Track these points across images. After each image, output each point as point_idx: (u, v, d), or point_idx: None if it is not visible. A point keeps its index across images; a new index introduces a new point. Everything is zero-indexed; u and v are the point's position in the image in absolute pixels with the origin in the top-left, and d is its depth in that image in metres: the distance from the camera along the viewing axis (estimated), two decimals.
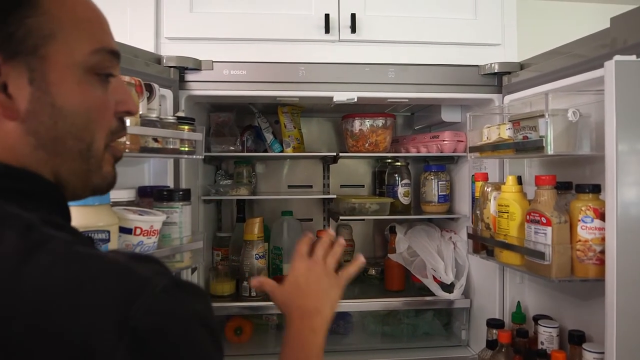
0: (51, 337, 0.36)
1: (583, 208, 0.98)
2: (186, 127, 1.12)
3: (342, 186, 1.97)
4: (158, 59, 1.28)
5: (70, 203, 0.84)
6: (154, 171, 1.25)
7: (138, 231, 0.96)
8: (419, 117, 1.91)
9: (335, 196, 1.69)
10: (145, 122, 1.00)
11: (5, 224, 0.41)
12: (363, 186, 1.99)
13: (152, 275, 0.41)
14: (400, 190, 1.70)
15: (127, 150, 0.95)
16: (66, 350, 0.36)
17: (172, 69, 1.29)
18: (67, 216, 0.52)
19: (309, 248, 0.85)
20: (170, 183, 1.25)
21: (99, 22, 0.51)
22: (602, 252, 0.93)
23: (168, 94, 1.25)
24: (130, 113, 0.56)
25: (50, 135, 0.47)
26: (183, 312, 0.41)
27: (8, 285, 0.37)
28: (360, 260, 0.87)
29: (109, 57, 0.51)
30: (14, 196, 0.45)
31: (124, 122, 0.56)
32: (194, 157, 1.17)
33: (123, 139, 0.94)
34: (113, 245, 0.89)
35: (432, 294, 1.52)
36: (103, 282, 0.39)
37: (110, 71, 0.51)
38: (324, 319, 0.75)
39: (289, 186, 1.95)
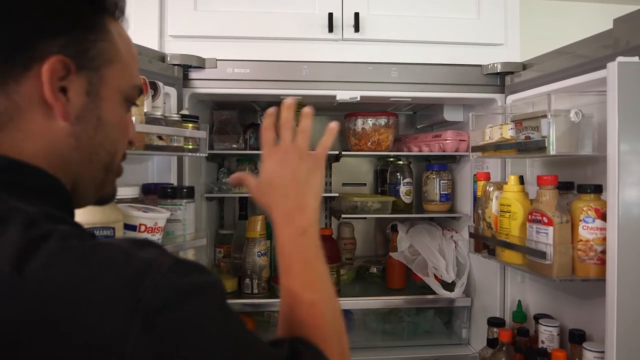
0: (61, 331, 0.37)
1: (585, 208, 0.98)
2: (190, 125, 1.13)
3: (344, 184, 1.98)
4: (162, 57, 1.29)
5: None
6: (157, 168, 1.26)
7: (142, 228, 0.97)
8: (421, 116, 1.91)
9: (337, 194, 1.69)
10: (150, 120, 1.01)
11: (8, 219, 0.42)
12: (365, 185, 1.99)
13: (156, 256, 0.43)
14: (402, 189, 1.71)
15: (132, 148, 0.96)
16: (79, 342, 0.37)
17: (176, 66, 1.29)
18: (71, 212, 0.54)
19: (274, 131, 0.72)
20: (173, 180, 1.26)
21: (135, 60, 0.59)
22: (603, 252, 0.94)
23: (172, 91, 1.25)
24: (131, 143, 0.62)
25: (89, 143, 0.53)
26: (190, 287, 0.42)
27: (12, 282, 0.38)
28: (331, 126, 0.74)
29: (137, 92, 0.59)
30: (19, 190, 0.47)
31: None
32: (198, 154, 1.18)
33: None
34: None
35: (433, 293, 1.53)
36: (108, 270, 0.40)
37: (134, 102, 0.59)
38: (311, 214, 0.65)
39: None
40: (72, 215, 0.54)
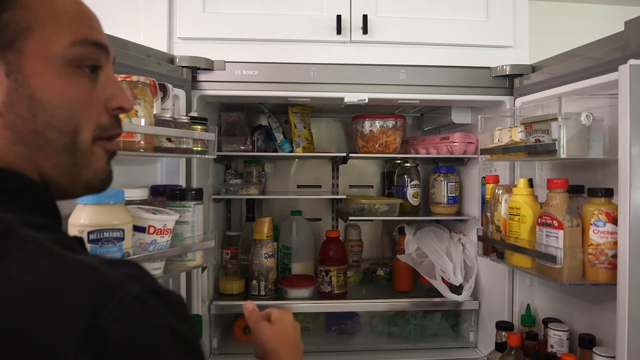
0: (15, 339, 0.36)
1: (595, 212, 0.97)
2: (199, 127, 1.13)
3: (350, 186, 1.98)
4: (171, 59, 1.29)
5: (84, 200, 0.86)
6: (166, 170, 1.26)
7: (152, 230, 0.97)
8: (429, 118, 1.91)
9: (344, 196, 1.69)
10: (160, 122, 1.01)
11: None
12: (372, 187, 1.99)
13: (126, 281, 0.40)
14: (410, 191, 1.70)
15: (141, 150, 0.96)
16: (28, 353, 0.36)
17: (184, 69, 1.30)
18: (54, 215, 0.51)
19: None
20: (182, 182, 1.26)
21: (81, 15, 0.50)
22: (614, 256, 0.93)
23: (181, 93, 1.26)
24: (123, 109, 0.54)
25: (29, 129, 0.46)
26: (154, 322, 0.39)
27: None
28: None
29: (93, 49, 0.50)
30: None
31: (117, 119, 0.54)
32: (207, 156, 1.18)
33: (137, 138, 0.95)
34: (127, 243, 0.90)
35: (441, 295, 1.52)
36: (72, 286, 0.38)
37: (95, 63, 0.50)
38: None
39: (298, 186, 1.96)
40: (56, 217, 0.51)
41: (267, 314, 0.89)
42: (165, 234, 1.00)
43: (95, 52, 0.50)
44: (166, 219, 1.00)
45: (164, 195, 1.13)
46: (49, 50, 0.46)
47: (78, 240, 0.51)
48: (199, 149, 1.15)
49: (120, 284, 0.39)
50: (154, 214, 0.98)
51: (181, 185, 1.25)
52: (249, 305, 0.89)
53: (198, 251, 1.13)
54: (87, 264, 0.40)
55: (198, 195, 1.13)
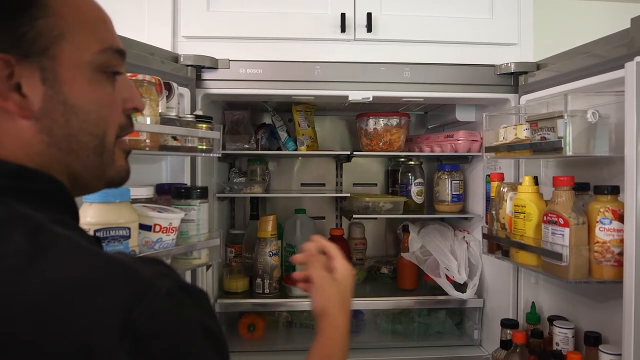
0: (53, 334, 0.37)
1: (601, 209, 0.97)
2: (204, 125, 1.13)
3: (354, 184, 1.98)
4: (175, 58, 1.29)
5: (90, 199, 0.86)
6: (171, 169, 1.27)
7: (157, 228, 0.98)
8: (433, 116, 1.90)
9: (348, 195, 1.69)
10: (165, 120, 1.01)
11: (16, 224, 0.42)
12: (376, 185, 1.99)
13: (157, 277, 0.41)
14: (414, 189, 1.70)
15: (147, 149, 0.97)
16: (67, 348, 0.37)
17: (189, 67, 1.30)
18: (75, 216, 0.53)
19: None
20: (187, 181, 1.26)
21: (103, 22, 0.52)
22: (620, 253, 0.93)
23: (185, 92, 1.26)
24: (137, 109, 0.57)
25: (63, 133, 0.48)
26: (185, 317, 0.41)
27: (15, 284, 0.38)
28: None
29: (116, 56, 0.52)
30: (26, 196, 0.46)
31: (131, 119, 0.57)
32: (212, 155, 1.18)
33: (143, 137, 0.96)
34: (133, 242, 0.90)
35: (445, 293, 1.52)
36: (108, 283, 0.39)
37: (116, 69, 0.53)
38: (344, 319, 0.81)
39: (302, 184, 1.96)
40: (77, 218, 0.53)
41: (329, 259, 0.86)
42: (171, 232, 1.00)
43: (117, 59, 0.53)
44: (172, 217, 1.00)
45: (169, 194, 1.13)
46: (80, 57, 0.48)
47: (96, 239, 0.53)
48: (204, 147, 1.15)
49: (152, 280, 0.41)
50: (159, 212, 0.99)
51: (186, 184, 1.25)
52: (310, 246, 0.86)
53: (203, 249, 1.13)
54: (121, 261, 0.42)
55: (203, 193, 1.13)
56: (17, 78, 0.45)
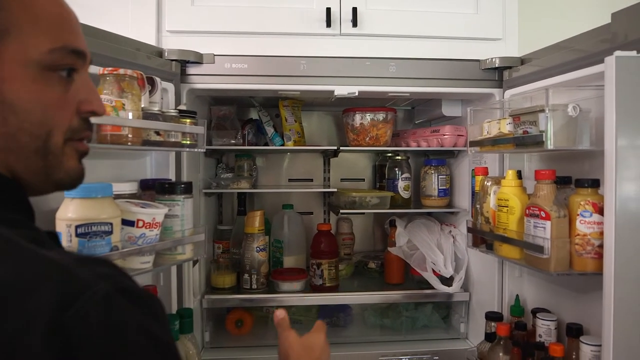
0: None
1: (582, 202, 0.98)
2: (188, 120, 1.13)
3: (342, 180, 1.98)
4: (160, 52, 1.28)
5: (72, 194, 0.85)
6: (155, 164, 1.26)
7: (140, 223, 0.97)
8: (419, 111, 1.91)
9: (336, 190, 1.69)
10: (147, 115, 1.00)
11: None
12: (363, 180, 2.00)
13: (95, 279, 0.39)
14: (401, 184, 1.71)
15: (129, 144, 0.96)
16: None
17: (173, 62, 1.29)
18: (26, 211, 0.51)
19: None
20: (171, 176, 1.26)
21: (62, 21, 0.49)
22: (601, 246, 0.94)
23: (170, 87, 1.25)
24: (95, 113, 0.54)
25: (0, 132, 0.46)
26: (121, 321, 0.39)
27: None
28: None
29: (72, 57, 0.49)
30: None
31: (88, 122, 0.54)
32: (196, 150, 1.18)
33: (125, 132, 0.95)
34: (116, 237, 0.90)
35: (432, 287, 1.53)
36: (39, 284, 0.38)
37: (72, 68, 0.50)
38: None
39: (290, 179, 1.96)
40: (28, 211, 0.51)
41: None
42: (154, 228, 1.00)
43: (74, 59, 0.50)
44: (155, 212, 1.00)
45: (154, 189, 1.13)
46: (26, 55, 0.46)
47: (51, 235, 0.51)
48: (188, 142, 1.14)
49: (89, 282, 0.39)
50: (142, 207, 0.98)
51: (171, 179, 1.25)
52: (280, 314, 0.91)
53: (188, 245, 1.12)
54: (57, 262, 0.40)
55: (187, 188, 1.13)
56: None
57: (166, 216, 1.04)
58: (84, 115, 0.53)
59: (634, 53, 0.88)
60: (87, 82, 0.53)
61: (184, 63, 1.32)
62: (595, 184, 0.98)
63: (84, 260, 0.42)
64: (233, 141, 1.63)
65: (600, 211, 0.95)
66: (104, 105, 0.55)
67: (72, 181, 0.54)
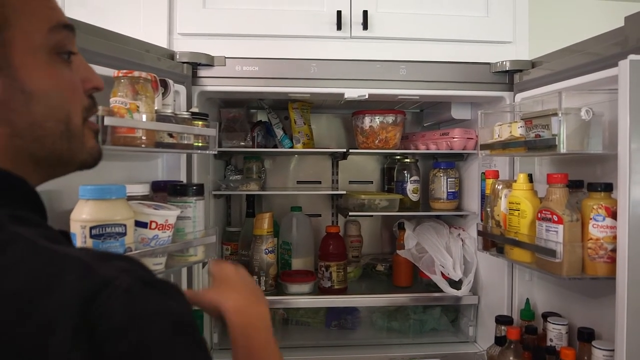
0: (7, 334, 0.36)
1: (595, 206, 0.98)
2: (200, 122, 1.13)
3: (350, 182, 1.98)
4: (171, 55, 1.29)
5: (86, 196, 0.85)
6: (167, 166, 1.27)
7: (153, 225, 0.98)
8: (428, 114, 1.91)
9: (344, 192, 1.69)
10: (161, 117, 1.01)
11: None
12: (372, 182, 2.00)
13: (117, 274, 0.40)
14: (409, 186, 1.71)
15: (143, 145, 0.97)
16: (22, 347, 0.36)
17: (185, 64, 1.30)
18: (39, 210, 0.51)
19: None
20: (183, 178, 1.26)
21: (46, 0, 0.50)
22: (613, 250, 0.94)
23: (181, 89, 1.26)
24: (97, 88, 0.55)
25: (26, 122, 0.46)
26: (146, 313, 0.40)
27: None
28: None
29: (66, 33, 0.50)
30: None
31: (93, 99, 0.56)
32: (207, 152, 1.18)
33: (139, 134, 0.95)
34: (129, 239, 0.90)
35: (440, 290, 1.53)
36: (63, 281, 0.38)
37: (69, 49, 0.51)
38: (261, 313, 0.73)
39: (298, 182, 1.96)
40: (41, 210, 0.51)
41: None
42: (167, 230, 1.00)
43: (68, 36, 0.50)
44: (168, 214, 1.00)
45: (165, 191, 1.13)
46: (31, 40, 0.46)
47: (63, 233, 0.51)
48: (200, 144, 1.15)
49: (110, 278, 0.39)
50: (155, 209, 0.99)
51: (182, 181, 1.25)
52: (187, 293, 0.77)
53: (199, 246, 1.13)
54: (78, 258, 0.40)
55: (199, 190, 1.13)
56: None
57: (178, 218, 1.05)
58: (88, 92, 0.54)
59: None
60: (82, 60, 0.54)
61: (195, 65, 1.33)
62: (608, 187, 0.98)
63: (103, 256, 0.43)
64: (242, 143, 1.63)
65: (613, 215, 0.94)
66: (102, 80, 0.56)
67: (95, 160, 0.55)
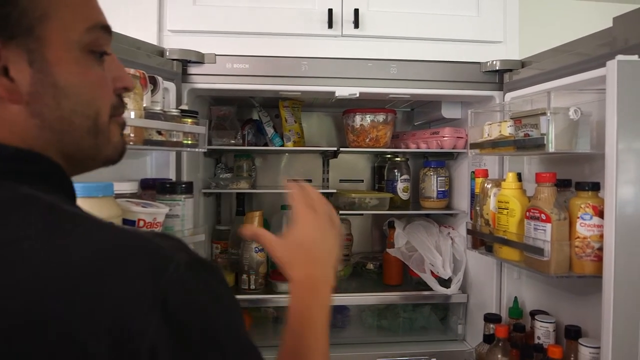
0: (86, 311, 0.37)
1: (582, 205, 0.99)
2: (189, 120, 1.13)
3: (341, 181, 1.98)
4: (161, 52, 1.28)
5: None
6: (156, 164, 1.26)
7: (141, 223, 0.97)
8: (419, 113, 1.92)
9: (335, 191, 1.69)
10: (150, 114, 1.00)
11: (26, 205, 0.41)
12: (362, 181, 2.00)
13: (175, 251, 0.42)
14: (400, 185, 1.71)
15: (131, 143, 0.96)
16: (102, 324, 0.37)
17: (175, 61, 1.29)
18: (74, 199, 0.52)
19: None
20: (172, 176, 1.25)
21: None
22: (600, 249, 0.95)
23: (171, 86, 1.25)
24: (127, 89, 0.56)
25: (55, 116, 0.47)
26: (206, 286, 0.43)
27: (41, 265, 0.38)
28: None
29: (103, 34, 0.51)
30: (27, 178, 0.45)
31: (122, 98, 0.56)
32: (197, 150, 1.18)
33: (127, 131, 0.95)
34: None
35: (430, 289, 1.54)
36: (134, 256, 0.40)
37: (104, 49, 0.51)
38: (331, 290, 0.67)
39: (289, 180, 1.95)
40: (75, 199, 0.53)
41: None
42: (155, 228, 1.00)
43: (104, 37, 0.51)
44: (156, 212, 1.00)
45: (154, 189, 1.12)
46: (67, 36, 0.47)
47: None
48: (190, 142, 1.14)
49: (172, 254, 0.41)
50: (143, 207, 0.98)
51: (171, 179, 1.24)
52: (247, 230, 0.74)
53: (188, 245, 1.12)
54: (141, 235, 0.43)
55: (188, 188, 1.13)
56: (3, 61, 0.44)
57: (167, 216, 1.04)
58: (118, 91, 0.55)
59: (635, 57, 0.88)
60: (115, 60, 0.55)
61: (186, 63, 1.32)
62: (596, 187, 0.99)
63: (158, 234, 0.45)
64: (233, 141, 1.62)
65: (601, 214, 0.95)
66: (132, 80, 0.57)
67: (119, 155, 0.56)
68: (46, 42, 0.45)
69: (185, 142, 1.12)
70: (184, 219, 1.11)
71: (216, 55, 1.33)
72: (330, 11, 1.37)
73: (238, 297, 1.52)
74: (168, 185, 1.11)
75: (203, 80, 1.33)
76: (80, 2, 0.49)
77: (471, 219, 1.36)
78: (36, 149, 0.47)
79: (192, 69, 1.33)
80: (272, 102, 1.71)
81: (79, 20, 0.48)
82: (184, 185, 1.11)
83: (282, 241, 0.69)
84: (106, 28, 0.52)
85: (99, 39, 0.50)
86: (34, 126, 0.47)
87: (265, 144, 1.73)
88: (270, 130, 1.69)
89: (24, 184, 0.44)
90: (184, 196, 1.11)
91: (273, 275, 1.60)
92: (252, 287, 1.55)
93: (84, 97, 0.49)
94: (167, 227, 1.07)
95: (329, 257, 0.69)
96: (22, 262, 0.38)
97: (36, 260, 0.38)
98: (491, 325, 1.26)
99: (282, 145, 1.68)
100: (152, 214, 0.99)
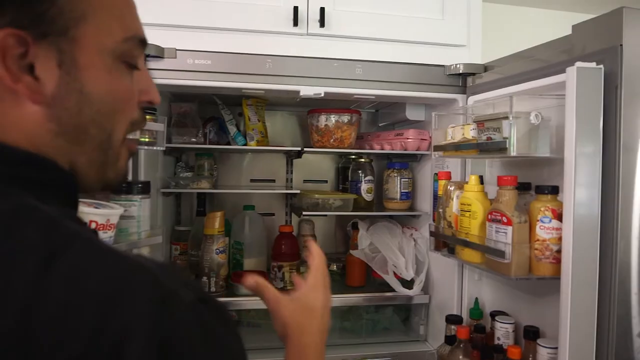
0: (80, 340, 0.34)
1: (542, 208, 1.01)
2: (147, 117, 1.07)
3: (305, 181, 1.96)
4: None
5: None
6: None
7: (93, 225, 0.92)
8: (384, 114, 1.92)
9: (298, 191, 1.67)
10: None
11: (27, 219, 0.38)
12: (326, 182, 1.98)
13: (178, 286, 0.40)
14: (364, 186, 1.71)
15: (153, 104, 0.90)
16: (95, 353, 0.35)
17: None
18: (77, 207, 0.50)
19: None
20: (128, 175, 1.20)
21: (130, 7, 0.49)
22: (559, 251, 0.97)
23: None
24: (152, 103, 0.53)
25: (72, 123, 0.45)
26: (207, 329, 0.40)
27: (34, 288, 0.35)
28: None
29: (138, 46, 0.49)
30: (32, 186, 0.42)
31: (144, 113, 0.53)
32: (155, 148, 1.13)
33: None
34: None
35: (392, 290, 1.54)
36: (133, 289, 0.37)
37: (136, 62, 0.49)
38: (325, 337, 0.76)
39: (252, 180, 1.92)
40: (77, 208, 0.50)
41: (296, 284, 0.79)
42: (109, 230, 0.95)
43: (139, 50, 0.49)
44: (110, 213, 0.95)
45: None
46: (102, 43, 0.45)
47: (94, 232, 0.51)
48: (147, 140, 1.09)
49: (175, 289, 0.39)
50: (96, 208, 0.93)
51: (127, 178, 1.19)
52: (250, 280, 0.78)
53: (144, 247, 1.08)
54: (143, 266, 0.40)
55: (145, 188, 1.08)
56: (31, 58, 0.41)
57: (122, 217, 0.99)
58: (141, 105, 0.52)
59: (593, 64, 0.90)
60: (145, 72, 0.52)
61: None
62: (555, 190, 1.01)
63: (163, 266, 0.42)
64: (194, 139, 1.57)
65: (559, 217, 0.97)
66: (159, 95, 0.54)
67: (119, 182, 0.53)
68: (79, 44, 0.44)
69: (142, 139, 1.07)
70: (140, 220, 1.06)
71: (177, 50, 1.28)
72: (295, 9, 1.34)
73: None
74: (123, 185, 1.06)
75: (162, 75, 1.28)
76: (123, 10, 0.48)
77: (434, 220, 1.37)
78: (46, 155, 0.44)
79: (151, 64, 1.27)
80: (235, 100, 1.67)
81: (117, 28, 0.46)
82: (140, 185, 1.07)
83: (291, 301, 0.74)
84: (143, 42, 0.50)
85: (134, 50, 0.48)
86: (49, 131, 0.44)
87: (228, 143, 1.68)
88: (233, 129, 1.65)
89: (30, 194, 0.41)
90: (140, 196, 1.06)
91: (234, 278, 1.56)
92: (213, 289, 1.51)
93: (107, 108, 0.47)
94: (122, 229, 1.02)
95: (327, 326, 0.78)
96: (19, 281, 0.35)
97: (33, 282, 0.35)
98: (452, 327, 1.27)
99: (245, 145, 1.64)
100: (105, 215, 0.94)
